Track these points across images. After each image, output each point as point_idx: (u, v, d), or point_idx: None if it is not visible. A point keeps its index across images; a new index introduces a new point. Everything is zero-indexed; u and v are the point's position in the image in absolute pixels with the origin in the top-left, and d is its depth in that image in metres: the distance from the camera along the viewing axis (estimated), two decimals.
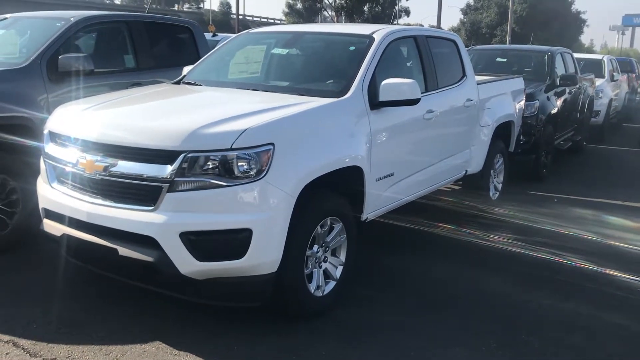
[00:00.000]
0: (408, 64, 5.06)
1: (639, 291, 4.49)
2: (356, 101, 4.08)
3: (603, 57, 13.76)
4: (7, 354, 3.23)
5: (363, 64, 4.29)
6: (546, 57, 8.96)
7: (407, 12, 60.83)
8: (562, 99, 8.81)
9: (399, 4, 57.89)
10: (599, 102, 11.80)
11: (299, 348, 3.42)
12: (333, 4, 56.90)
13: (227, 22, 56.53)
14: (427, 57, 5.09)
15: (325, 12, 58.59)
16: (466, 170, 5.86)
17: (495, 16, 53.96)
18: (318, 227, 3.66)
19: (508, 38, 31.91)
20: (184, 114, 3.72)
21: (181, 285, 3.30)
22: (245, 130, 3.26)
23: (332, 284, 3.87)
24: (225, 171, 3.20)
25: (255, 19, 68.87)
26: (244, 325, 3.63)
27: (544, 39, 38.69)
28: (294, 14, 56.84)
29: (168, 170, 3.19)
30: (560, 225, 5.98)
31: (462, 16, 59.95)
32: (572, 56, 9.98)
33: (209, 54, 5.32)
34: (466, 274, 4.67)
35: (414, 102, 4.22)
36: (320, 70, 4.74)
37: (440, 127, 5.13)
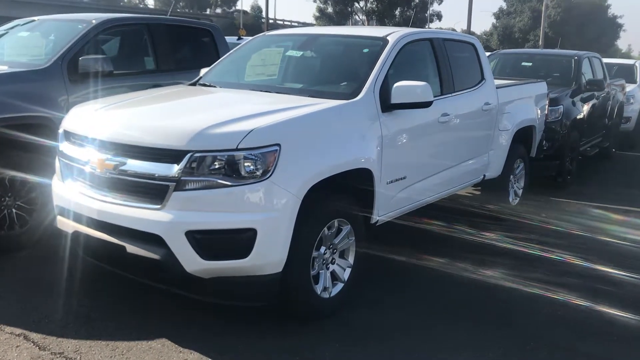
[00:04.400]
0: (423, 67, 5.02)
1: None
2: (367, 103, 4.07)
3: (635, 62, 13.44)
4: (17, 346, 3.31)
5: (375, 66, 4.28)
6: (573, 62, 8.79)
7: (439, 17, 60.51)
8: (589, 104, 8.62)
9: (431, 8, 57.60)
10: (630, 108, 11.52)
11: (304, 349, 3.43)
12: (364, 8, 56.91)
13: (258, 26, 56.97)
14: (444, 60, 5.05)
15: (356, 16, 58.60)
16: (484, 175, 5.79)
17: (528, 20, 53.27)
18: (325, 228, 3.66)
19: (541, 42, 31.41)
20: (193, 115, 3.77)
21: (187, 283, 3.34)
22: (251, 130, 3.29)
23: (339, 285, 3.87)
24: (231, 171, 3.23)
25: (286, 22, 69.22)
26: (249, 325, 3.65)
27: (579, 43, 38.01)
28: (324, 18, 56.99)
29: (175, 169, 3.23)
30: (577, 229, 5.91)
31: (494, 20, 59.36)
32: (600, 61, 9.76)
33: (225, 56, 5.38)
34: (477, 278, 4.60)
35: (427, 104, 4.19)
36: (334, 72, 4.75)
37: (456, 131, 5.08)
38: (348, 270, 3.92)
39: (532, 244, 5.40)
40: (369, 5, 56.46)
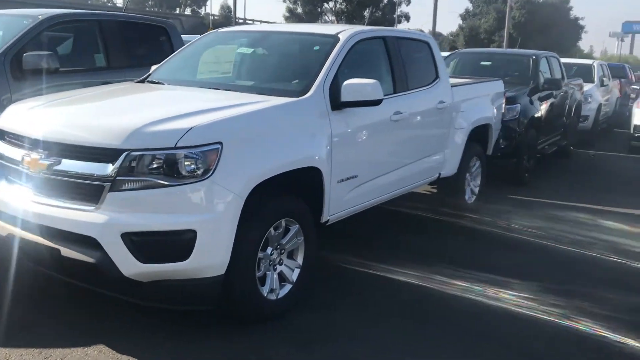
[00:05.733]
0: (376, 65, 4.97)
1: None
2: (316, 101, 4.00)
3: (593, 62, 13.69)
4: None
5: (326, 64, 4.21)
6: (531, 61, 8.88)
7: (407, 18, 60.94)
8: (547, 103, 8.71)
9: (399, 9, 57.97)
10: (588, 107, 11.71)
11: (249, 353, 3.34)
12: (333, 9, 56.99)
13: (228, 25, 56.49)
14: (397, 58, 5.01)
15: (326, 17, 58.63)
16: (439, 173, 5.77)
17: (493, 22, 54.07)
18: (272, 229, 3.57)
19: (505, 43, 31.86)
20: (132, 112, 3.64)
21: (125, 287, 3.21)
22: (191, 128, 3.18)
23: (287, 287, 3.79)
24: (170, 170, 3.12)
25: (255, 22, 68.79)
26: (191, 329, 3.54)
27: (542, 44, 38.64)
28: (294, 18, 56.87)
29: (110, 169, 3.11)
30: (535, 228, 5.93)
31: (461, 21, 60.07)
32: (558, 60, 9.89)
33: (175, 52, 5.25)
34: (431, 281, 4.54)
35: (376, 102, 4.14)
36: (284, 69, 4.66)
37: (409, 129, 5.05)
38: (297, 271, 3.84)
39: (491, 244, 5.41)
40: (338, 5, 56.57)
